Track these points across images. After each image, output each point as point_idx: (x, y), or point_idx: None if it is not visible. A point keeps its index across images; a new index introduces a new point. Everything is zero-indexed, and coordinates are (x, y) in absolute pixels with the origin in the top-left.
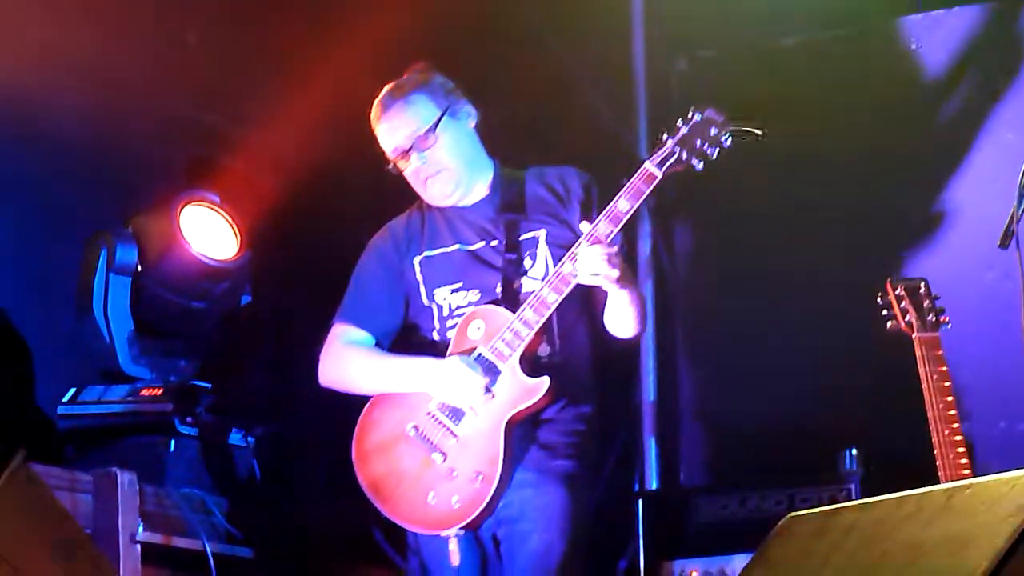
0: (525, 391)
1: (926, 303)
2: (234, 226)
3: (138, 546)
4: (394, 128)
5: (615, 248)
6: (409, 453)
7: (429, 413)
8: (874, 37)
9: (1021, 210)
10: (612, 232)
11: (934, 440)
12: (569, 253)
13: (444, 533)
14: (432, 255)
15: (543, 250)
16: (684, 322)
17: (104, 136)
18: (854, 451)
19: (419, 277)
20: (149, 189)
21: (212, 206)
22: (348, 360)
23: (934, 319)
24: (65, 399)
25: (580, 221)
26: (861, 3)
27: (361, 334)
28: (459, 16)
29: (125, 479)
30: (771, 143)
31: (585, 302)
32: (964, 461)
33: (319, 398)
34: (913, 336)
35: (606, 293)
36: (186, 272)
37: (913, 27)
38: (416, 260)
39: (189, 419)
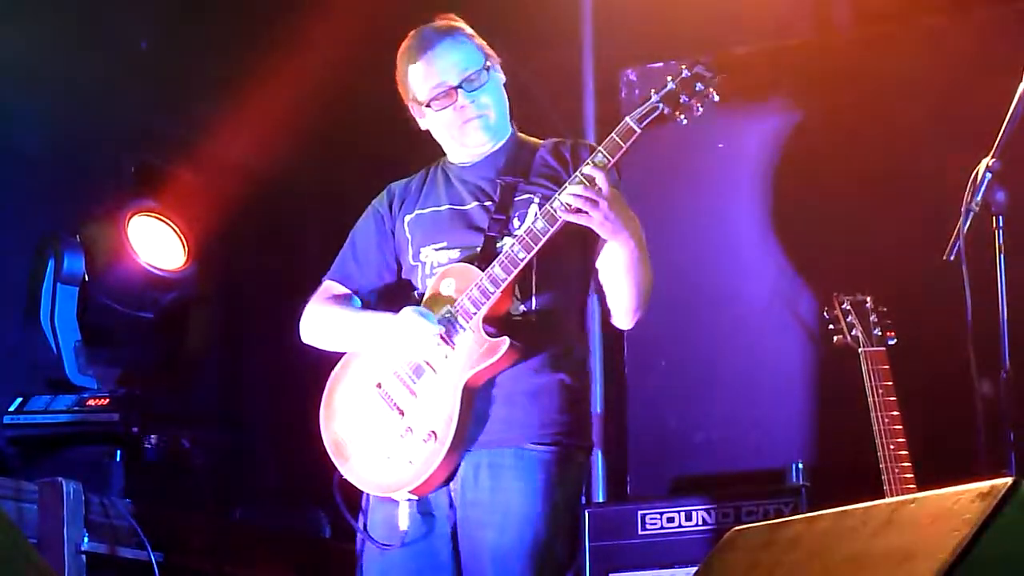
0: (485, 350)
1: (872, 317)
2: (182, 236)
3: (83, 556)
4: (443, 64)
5: (603, 181)
6: (370, 410)
7: (395, 371)
8: (825, 47)
9: (967, 225)
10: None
11: (879, 454)
12: (542, 209)
13: (395, 496)
14: (423, 213)
15: (533, 211)
16: (630, 335)
17: (53, 143)
18: (800, 464)
19: (408, 235)
20: (98, 198)
21: (160, 216)
22: (323, 315)
23: (880, 334)
24: (11, 408)
25: None
26: (813, 12)
27: (344, 291)
28: (407, 21)
29: (71, 489)
30: (717, 153)
31: (585, 271)
32: (909, 476)
33: (269, 406)
34: (859, 351)
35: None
36: (134, 282)
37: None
38: (407, 218)
39: (135, 429)
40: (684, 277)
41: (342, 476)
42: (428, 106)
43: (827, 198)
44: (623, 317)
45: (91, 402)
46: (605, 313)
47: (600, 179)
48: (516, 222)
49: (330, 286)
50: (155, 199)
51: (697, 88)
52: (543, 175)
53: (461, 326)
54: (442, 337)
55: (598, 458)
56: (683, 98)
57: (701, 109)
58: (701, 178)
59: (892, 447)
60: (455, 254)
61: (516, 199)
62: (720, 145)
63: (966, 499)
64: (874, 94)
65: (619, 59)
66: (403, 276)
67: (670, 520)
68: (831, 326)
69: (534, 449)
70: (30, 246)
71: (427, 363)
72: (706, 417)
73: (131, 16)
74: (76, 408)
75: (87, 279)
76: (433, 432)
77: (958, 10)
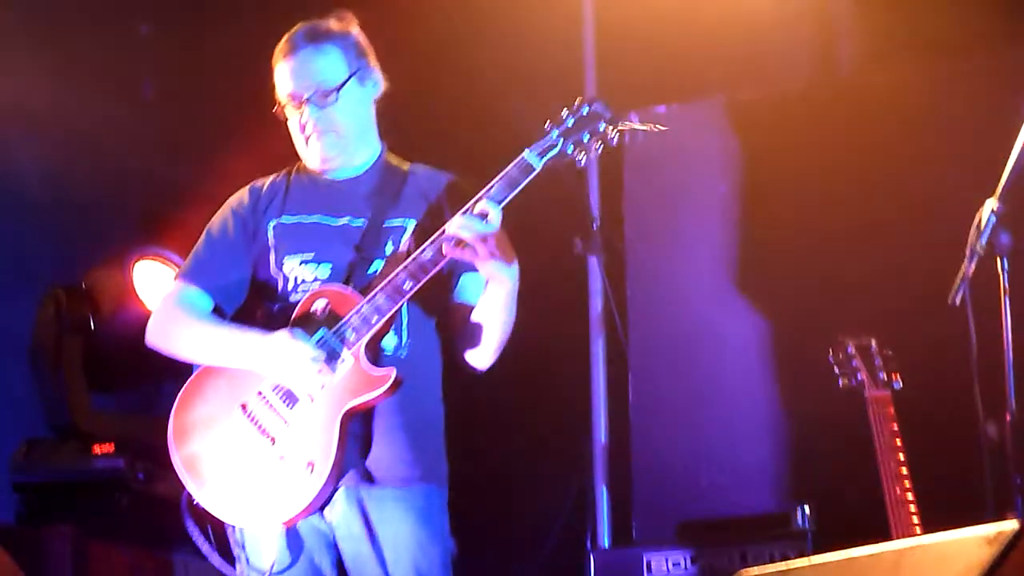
0: (367, 381)
1: (877, 361)
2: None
3: None
4: (298, 72)
5: (495, 219)
6: (234, 434)
7: (260, 393)
8: (826, 92)
9: (972, 268)
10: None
11: (886, 498)
12: (431, 239)
13: (264, 526)
14: (289, 222)
15: (408, 239)
16: (635, 377)
17: (59, 190)
18: (806, 508)
19: (271, 242)
20: (103, 244)
21: (165, 261)
22: (177, 322)
23: (885, 377)
24: (17, 455)
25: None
26: (818, 58)
27: (198, 294)
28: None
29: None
30: (722, 199)
31: (443, 308)
32: (915, 520)
33: None
34: (864, 394)
35: (467, 310)
36: (139, 328)
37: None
38: (271, 224)
39: (140, 475)
40: (688, 321)
41: (191, 497)
42: (282, 101)
43: (833, 240)
44: (485, 357)
45: (97, 448)
46: (608, 361)
47: (493, 215)
48: (389, 246)
49: (184, 288)
50: (160, 244)
51: (598, 128)
52: (415, 203)
53: (340, 354)
54: (322, 366)
55: (604, 499)
56: (582, 136)
57: (599, 150)
58: (705, 220)
59: (898, 490)
60: (324, 271)
61: (387, 223)
62: (723, 188)
63: (973, 544)
64: (878, 137)
65: (621, 102)
66: (259, 282)
67: (676, 564)
68: (837, 369)
69: (418, 486)
70: (36, 292)
71: (302, 390)
72: (711, 460)
73: (135, 63)
74: (82, 454)
75: (93, 325)
76: (311, 463)
77: (959, 53)
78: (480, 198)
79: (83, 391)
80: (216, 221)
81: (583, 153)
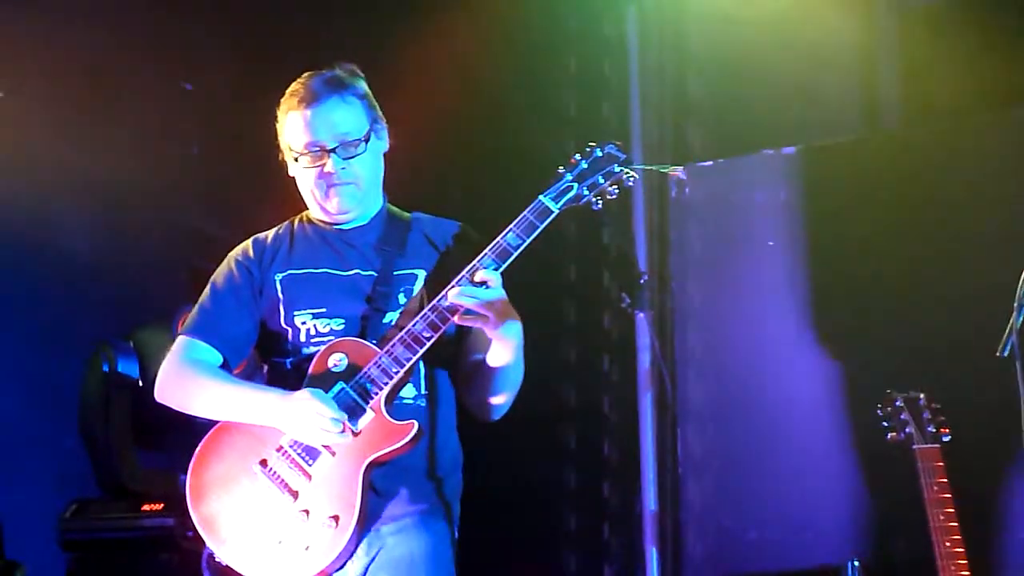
0: (390, 433)
1: (926, 415)
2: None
3: None
4: (323, 122)
5: (497, 284)
6: (255, 491)
7: (280, 448)
8: (873, 146)
9: (1020, 321)
10: (500, 268)
11: (935, 551)
12: (448, 286)
13: None
14: (297, 274)
15: (419, 288)
16: (684, 433)
17: (106, 249)
18: (856, 562)
19: (280, 295)
20: (150, 302)
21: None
22: (190, 380)
23: (934, 431)
24: (67, 514)
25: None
26: (865, 112)
27: (206, 350)
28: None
29: None
30: (770, 253)
31: (453, 359)
32: (965, 573)
33: None
34: (913, 448)
35: (476, 363)
36: None
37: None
38: (278, 277)
39: (190, 533)
40: (735, 376)
41: (213, 556)
42: (297, 160)
43: (879, 294)
44: (493, 411)
45: (146, 507)
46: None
47: (494, 281)
48: (401, 297)
49: (191, 344)
50: None
51: (612, 170)
52: (423, 251)
53: (361, 407)
54: (344, 423)
55: (653, 555)
56: (598, 179)
57: (616, 193)
58: (753, 274)
59: (947, 544)
60: (338, 324)
61: (397, 273)
62: (771, 243)
63: None
64: (923, 191)
65: (669, 158)
66: (268, 335)
67: None
68: (885, 423)
69: (427, 518)
70: (84, 352)
71: (323, 445)
72: (760, 515)
73: (181, 120)
74: (131, 513)
75: (140, 384)
76: (335, 517)
77: (1002, 106)
78: (495, 243)
79: (131, 449)
80: (221, 274)
81: (599, 196)
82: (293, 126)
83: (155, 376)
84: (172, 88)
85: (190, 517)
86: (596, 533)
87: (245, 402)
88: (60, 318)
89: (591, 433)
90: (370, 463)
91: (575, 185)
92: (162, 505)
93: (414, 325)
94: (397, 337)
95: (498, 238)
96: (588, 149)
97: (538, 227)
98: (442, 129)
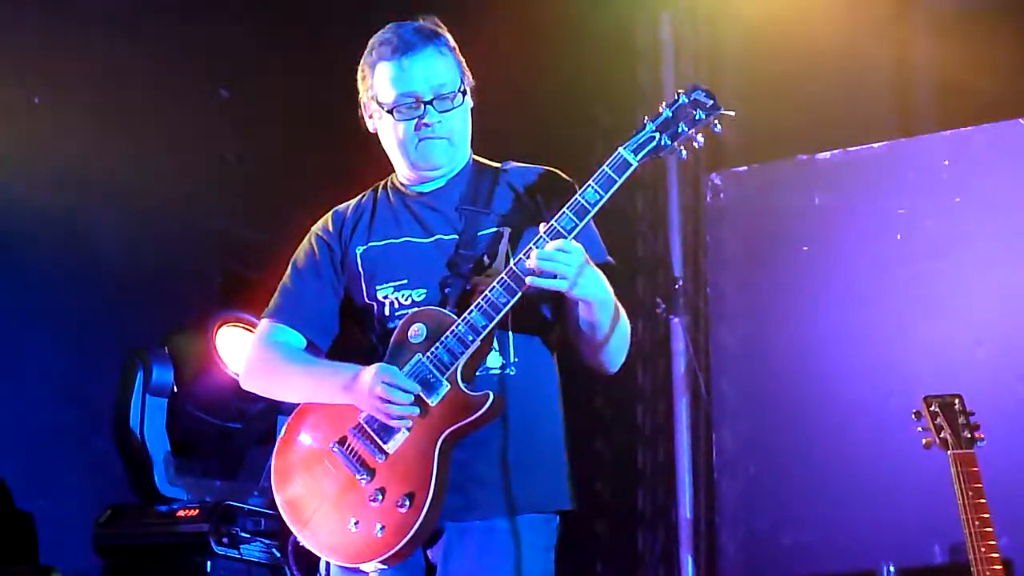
0: (465, 405)
1: (961, 419)
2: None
3: None
4: (419, 72)
5: (577, 246)
6: (332, 471)
7: (357, 426)
8: (905, 151)
9: None
10: (577, 227)
11: (970, 557)
12: (525, 249)
13: (364, 567)
14: (377, 246)
15: (505, 249)
16: (719, 438)
17: (141, 255)
18: (891, 567)
19: (360, 270)
20: (185, 308)
21: (247, 326)
22: (272, 364)
23: (969, 436)
24: (101, 520)
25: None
26: (897, 118)
27: (289, 332)
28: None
29: None
30: (807, 259)
31: (556, 311)
32: None
33: None
34: (948, 453)
35: (572, 319)
36: (222, 393)
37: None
38: (359, 251)
39: (225, 539)
40: (769, 380)
41: (298, 541)
42: (391, 112)
43: (915, 298)
44: (607, 367)
45: (181, 513)
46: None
47: (571, 247)
48: (486, 260)
49: (273, 327)
50: (242, 308)
51: (697, 117)
52: (510, 209)
53: (437, 379)
54: (417, 396)
55: (688, 562)
56: (682, 128)
57: (702, 142)
58: (785, 281)
59: (983, 549)
60: (420, 294)
61: (481, 233)
62: (805, 248)
63: None
64: (958, 194)
65: (703, 163)
66: (355, 310)
67: None
68: (920, 427)
69: (524, 518)
70: (118, 358)
71: (395, 420)
72: (795, 519)
73: (216, 126)
74: (166, 519)
75: (175, 390)
76: (409, 496)
77: None
78: (573, 200)
79: (166, 456)
80: (301, 253)
81: (683, 145)
82: (384, 76)
83: (189, 382)
84: (208, 95)
85: (227, 522)
86: (630, 540)
87: (321, 382)
88: (94, 324)
89: (624, 441)
90: (447, 437)
91: (657, 135)
92: (196, 511)
93: (491, 290)
94: (474, 303)
95: (576, 195)
96: (675, 97)
97: (617, 181)
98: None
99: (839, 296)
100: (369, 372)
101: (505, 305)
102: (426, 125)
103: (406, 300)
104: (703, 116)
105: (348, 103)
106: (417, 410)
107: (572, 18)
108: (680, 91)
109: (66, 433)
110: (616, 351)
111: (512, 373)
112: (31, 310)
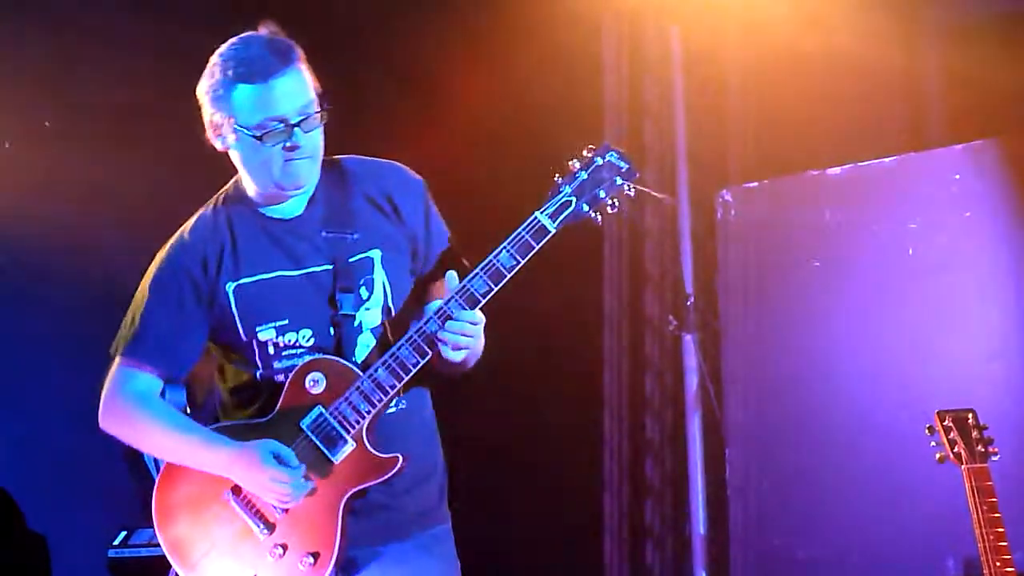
0: (372, 466)
1: (974, 434)
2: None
3: None
4: (286, 94)
5: (482, 316)
6: (225, 519)
7: None
8: (916, 165)
9: None
10: (491, 292)
11: (984, 571)
12: (438, 311)
13: None
14: (248, 283)
15: (379, 276)
16: (732, 456)
17: None
18: None
19: (234, 310)
20: None
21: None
22: (137, 421)
23: (982, 450)
24: (116, 542)
25: (420, 233)
26: (908, 133)
27: (147, 379)
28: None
29: None
30: (819, 275)
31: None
32: None
33: None
34: (962, 467)
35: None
36: None
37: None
38: (230, 288)
39: None
40: (782, 395)
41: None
42: (258, 137)
43: (927, 312)
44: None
45: None
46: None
47: (479, 317)
48: (364, 291)
49: (131, 374)
50: None
51: (616, 182)
52: (371, 220)
53: (341, 437)
54: (320, 450)
55: None
56: (600, 193)
57: (616, 207)
58: (799, 295)
59: (998, 564)
60: (305, 336)
61: (352, 259)
62: (816, 263)
63: None
64: (969, 208)
65: (713, 179)
66: (225, 348)
67: None
68: (934, 442)
69: (437, 528)
70: None
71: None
72: (809, 535)
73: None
74: None
75: (188, 411)
76: (314, 555)
77: None
78: (487, 262)
79: None
80: (160, 282)
81: (598, 212)
82: (247, 99)
83: (202, 402)
84: None
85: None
86: (639, 556)
87: (196, 453)
88: (108, 343)
89: (632, 456)
90: (352, 495)
91: (574, 200)
92: None
93: (399, 349)
94: (380, 360)
95: (490, 256)
96: (587, 156)
97: (534, 247)
98: (481, 151)
99: (851, 311)
100: (253, 458)
101: (415, 367)
102: (295, 147)
103: (292, 342)
104: (620, 181)
105: (363, 119)
106: (310, 486)
107: (581, 32)
108: (592, 151)
109: (80, 456)
110: (469, 367)
111: (404, 406)
112: (47, 334)
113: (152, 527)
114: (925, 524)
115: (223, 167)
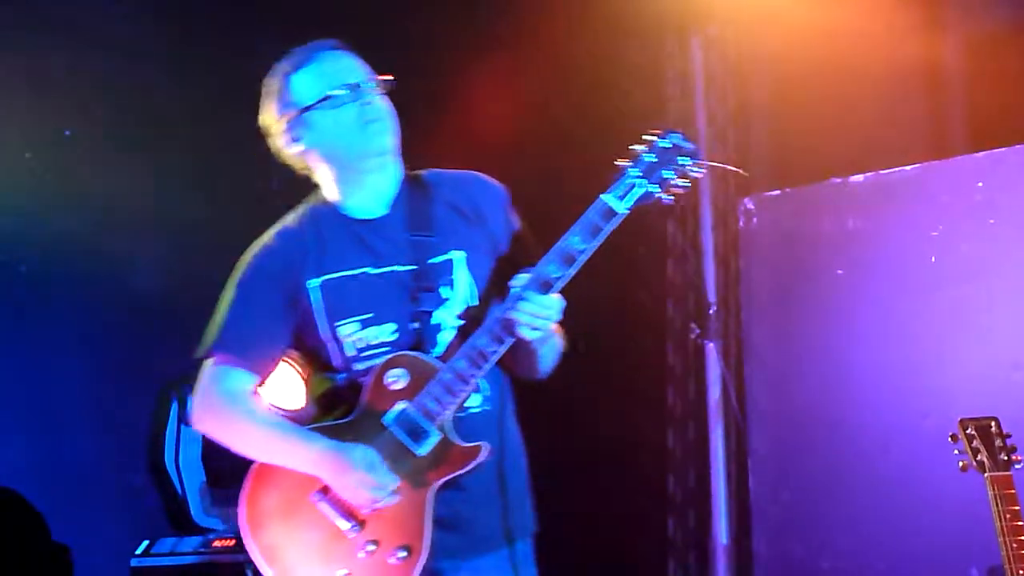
0: (457, 456)
1: (997, 442)
2: (304, 377)
3: None
4: (341, 64)
5: (560, 298)
6: (314, 523)
7: None
8: (939, 173)
9: None
10: (563, 278)
11: None
12: (512, 296)
13: None
14: (331, 279)
15: (461, 277)
16: (755, 467)
17: (175, 286)
18: None
19: (317, 305)
20: None
21: (283, 358)
22: (229, 421)
23: (1005, 458)
24: (138, 551)
25: (502, 237)
26: (931, 140)
27: (240, 376)
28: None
29: None
30: (841, 283)
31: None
32: None
33: None
34: (985, 476)
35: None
36: None
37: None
38: (314, 284)
39: None
40: (805, 404)
41: None
42: (326, 99)
43: (950, 320)
44: (534, 377)
45: (217, 543)
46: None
47: (554, 298)
48: (444, 290)
49: (224, 372)
50: None
51: (680, 162)
52: (453, 226)
53: (425, 429)
54: (405, 445)
55: None
56: (667, 173)
57: (687, 187)
58: (821, 303)
59: (1021, 572)
60: (389, 331)
61: (432, 261)
62: (839, 272)
63: None
64: (993, 216)
65: (736, 188)
66: (308, 351)
67: None
68: (957, 450)
69: (520, 546)
70: (154, 389)
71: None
72: (832, 544)
73: (258, 156)
74: (202, 550)
75: None
76: (405, 547)
77: None
78: (559, 247)
79: (201, 486)
80: (246, 279)
81: (668, 192)
82: (304, 82)
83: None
84: (244, 127)
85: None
86: (660, 567)
87: (289, 451)
88: (131, 356)
89: (655, 466)
90: (439, 487)
91: (642, 182)
92: (233, 541)
93: (477, 338)
94: (460, 351)
95: (561, 241)
96: (650, 139)
97: (604, 229)
98: (503, 165)
99: (874, 319)
100: (343, 457)
101: (493, 354)
102: (367, 104)
103: (374, 339)
104: (687, 161)
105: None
106: (397, 486)
107: (603, 44)
108: (656, 132)
109: (103, 466)
110: (550, 366)
111: (489, 408)
112: (67, 344)
113: (174, 536)
114: (948, 533)
115: (243, 178)
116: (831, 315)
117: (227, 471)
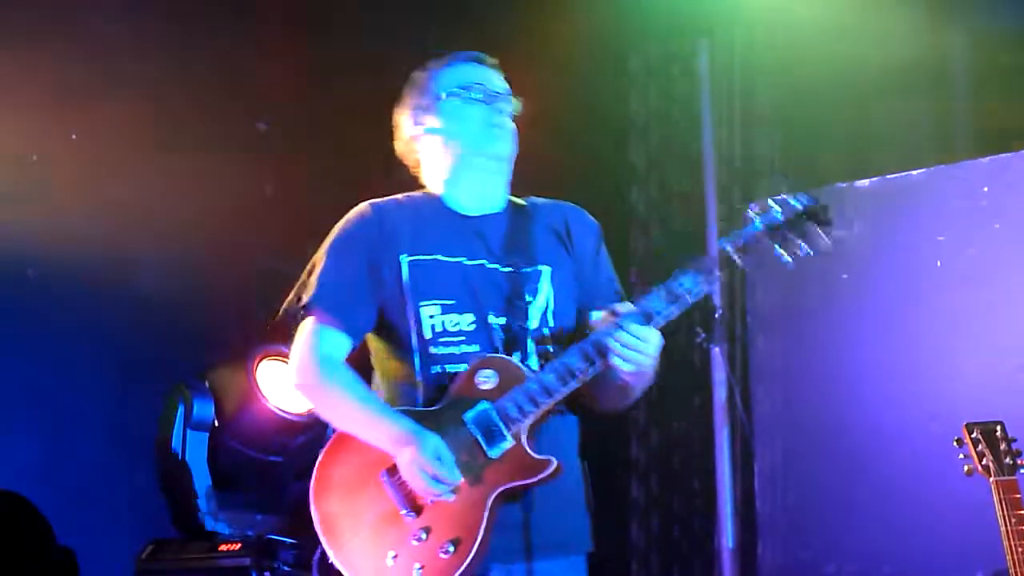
0: (527, 466)
1: (1003, 446)
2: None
3: None
4: (491, 73)
5: (658, 334)
6: (376, 500)
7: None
8: (945, 177)
9: None
10: (669, 312)
11: None
12: (611, 321)
13: None
14: (425, 259)
15: (545, 289)
16: (761, 471)
17: (181, 289)
18: None
19: (404, 281)
20: (226, 342)
21: (289, 360)
22: (329, 387)
23: (1011, 462)
24: (144, 555)
25: (588, 267)
26: (937, 145)
27: (337, 338)
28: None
29: None
30: (847, 287)
31: None
32: None
33: None
34: (990, 480)
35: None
36: (263, 426)
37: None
38: (406, 259)
39: (267, 574)
40: (811, 408)
41: (326, 557)
42: (462, 90)
43: (955, 324)
44: (606, 410)
45: (223, 547)
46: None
47: (653, 332)
48: (528, 296)
49: (324, 332)
50: (282, 341)
51: (807, 229)
52: (547, 245)
53: (501, 433)
54: (479, 443)
55: None
56: (791, 237)
57: (809, 252)
58: (827, 308)
59: None
60: (467, 321)
61: (524, 269)
62: (844, 276)
63: None
64: (998, 220)
65: (741, 193)
66: (388, 324)
67: None
68: (962, 455)
69: (575, 560)
70: (160, 392)
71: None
72: (838, 548)
73: (255, 161)
74: (208, 553)
75: (216, 424)
76: (455, 541)
77: None
78: (669, 286)
79: (207, 490)
80: (344, 241)
81: (788, 252)
82: (450, 75)
83: (231, 416)
84: (247, 128)
85: (268, 557)
86: (666, 571)
87: (374, 427)
88: (136, 358)
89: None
90: (501, 492)
91: (765, 239)
92: (238, 545)
93: (569, 356)
94: (549, 365)
95: (671, 279)
96: (786, 200)
97: (718, 278)
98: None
99: (879, 323)
100: (418, 445)
101: (581, 373)
102: (499, 111)
103: (453, 326)
104: (815, 227)
105: (386, 137)
106: (459, 485)
107: (610, 46)
108: (789, 196)
109: (108, 468)
110: (631, 402)
111: (559, 421)
112: (74, 346)
113: (179, 538)
114: (953, 537)
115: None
116: (837, 319)
117: (233, 475)
